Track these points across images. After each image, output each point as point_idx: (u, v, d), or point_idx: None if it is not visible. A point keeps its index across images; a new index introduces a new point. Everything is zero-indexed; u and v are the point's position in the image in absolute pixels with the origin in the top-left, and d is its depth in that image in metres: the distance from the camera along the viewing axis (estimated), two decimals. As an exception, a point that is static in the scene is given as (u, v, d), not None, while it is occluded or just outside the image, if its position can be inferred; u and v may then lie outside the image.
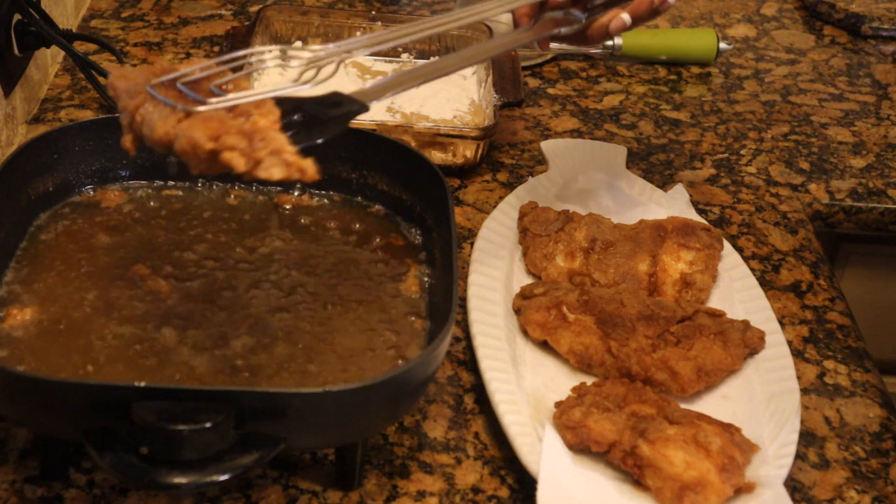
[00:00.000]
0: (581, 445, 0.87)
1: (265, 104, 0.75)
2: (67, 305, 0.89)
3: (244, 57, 0.79)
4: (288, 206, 1.01)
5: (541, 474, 0.84)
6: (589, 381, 0.95)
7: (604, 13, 0.94)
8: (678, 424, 0.87)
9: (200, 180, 1.03)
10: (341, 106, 0.78)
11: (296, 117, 0.75)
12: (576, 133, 1.32)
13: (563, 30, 0.95)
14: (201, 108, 0.73)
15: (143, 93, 0.76)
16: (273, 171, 0.71)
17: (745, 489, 0.85)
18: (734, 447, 0.86)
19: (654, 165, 1.28)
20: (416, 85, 0.87)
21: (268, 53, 0.79)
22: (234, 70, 0.78)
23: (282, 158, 0.72)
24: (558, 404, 0.91)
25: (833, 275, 1.16)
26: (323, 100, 0.78)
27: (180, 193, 1.02)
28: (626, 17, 0.93)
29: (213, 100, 0.74)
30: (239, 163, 0.71)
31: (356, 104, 0.79)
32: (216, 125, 0.72)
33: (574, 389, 0.93)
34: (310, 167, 0.72)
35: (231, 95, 0.75)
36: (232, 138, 0.72)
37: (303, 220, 1.00)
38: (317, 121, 0.76)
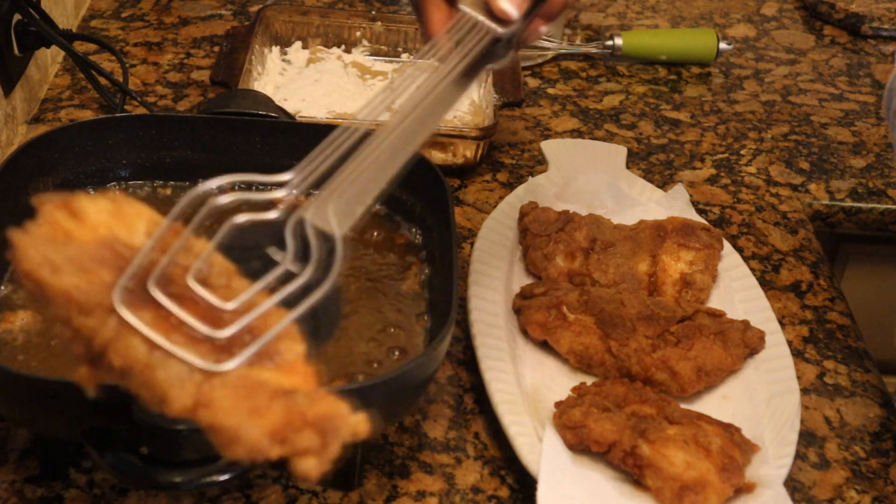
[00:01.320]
0: (581, 445, 0.87)
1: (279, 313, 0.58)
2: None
3: (202, 198, 0.60)
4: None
5: (541, 474, 0.84)
6: (589, 381, 0.95)
7: (525, 29, 0.87)
8: (678, 424, 0.87)
9: (200, 180, 1.03)
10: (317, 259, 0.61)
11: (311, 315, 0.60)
12: (576, 133, 1.32)
13: (491, 65, 0.83)
14: (230, 367, 0.55)
15: (97, 303, 0.55)
16: (335, 453, 0.54)
17: (745, 489, 0.85)
18: (734, 447, 0.86)
19: (654, 165, 1.28)
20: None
21: (226, 193, 0.60)
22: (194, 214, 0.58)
23: (347, 434, 0.54)
24: (558, 404, 0.91)
25: (833, 275, 1.16)
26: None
27: (181, 193, 1.02)
28: (543, 28, 0.89)
29: (231, 332, 0.56)
30: (315, 471, 0.53)
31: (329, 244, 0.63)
32: (263, 407, 0.53)
33: (574, 389, 0.93)
34: (364, 429, 0.55)
35: (247, 315, 0.57)
36: (305, 437, 0.53)
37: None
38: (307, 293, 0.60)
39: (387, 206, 1.02)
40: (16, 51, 1.20)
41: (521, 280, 1.06)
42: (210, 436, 0.55)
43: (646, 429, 0.86)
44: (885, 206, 1.26)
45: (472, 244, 1.09)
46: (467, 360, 0.99)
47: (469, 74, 0.80)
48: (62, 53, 1.35)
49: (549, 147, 1.19)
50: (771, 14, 1.63)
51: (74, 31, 1.39)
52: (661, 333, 0.96)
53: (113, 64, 1.34)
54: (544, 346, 0.98)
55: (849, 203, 1.26)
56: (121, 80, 1.28)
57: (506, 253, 1.06)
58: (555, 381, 0.96)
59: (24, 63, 1.23)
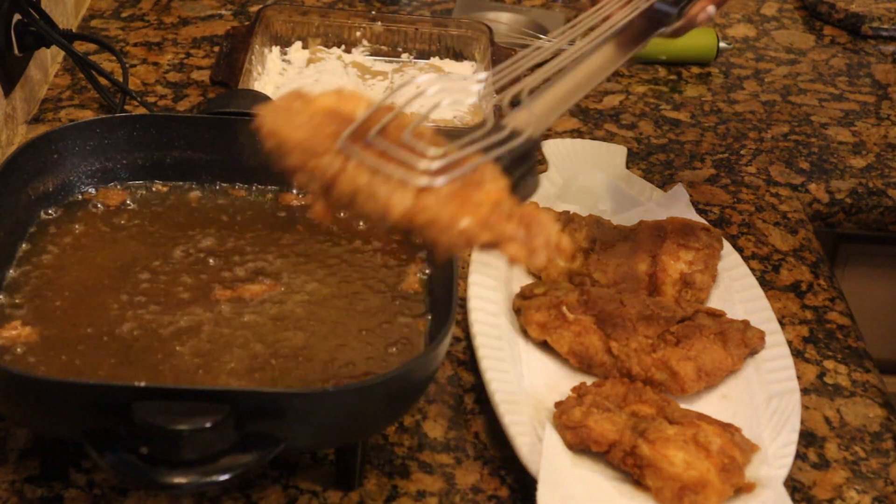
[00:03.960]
0: (581, 445, 0.87)
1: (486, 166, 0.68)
2: (68, 310, 0.88)
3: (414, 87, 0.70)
4: (290, 205, 1.01)
5: (541, 474, 0.84)
6: (589, 381, 0.95)
7: (692, 4, 0.91)
8: (678, 424, 0.87)
9: (200, 180, 1.03)
10: (515, 138, 0.72)
11: (513, 172, 0.70)
12: (576, 133, 1.32)
13: (663, 29, 0.90)
14: (442, 182, 0.65)
15: (326, 149, 0.68)
16: (542, 257, 0.67)
17: (745, 489, 0.85)
18: (734, 447, 0.86)
19: (654, 165, 1.28)
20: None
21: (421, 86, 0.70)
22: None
23: (550, 243, 0.67)
24: (558, 404, 0.91)
25: (833, 275, 1.16)
26: (505, 140, 0.72)
27: (181, 194, 1.02)
28: (711, 8, 0.91)
29: (440, 165, 0.66)
30: (520, 254, 0.66)
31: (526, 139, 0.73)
32: (473, 207, 0.65)
33: (574, 389, 0.93)
34: (567, 245, 0.68)
35: (452, 155, 0.67)
36: (510, 227, 0.65)
37: (305, 219, 1.00)
38: (516, 164, 0.71)
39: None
40: (16, 51, 1.20)
41: (521, 280, 1.06)
42: (426, 231, 0.65)
43: (646, 429, 0.86)
44: (885, 206, 1.26)
45: (472, 244, 1.09)
46: (467, 360, 0.99)
47: (635, 40, 0.88)
48: (62, 53, 1.35)
49: (549, 147, 1.19)
50: (771, 14, 1.63)
51: (74, 31, 1.39)
52: (661, 333, 0.96)
53: (113, 64, 1.34)
54: (544, 346, 0.98)
55: (849, 203, 1.26)
56: (121, 80, 1.28)
57: (506, 253, 1.06)
58: (555, 381, 0.96)
59: (24, 63, 1.23)
